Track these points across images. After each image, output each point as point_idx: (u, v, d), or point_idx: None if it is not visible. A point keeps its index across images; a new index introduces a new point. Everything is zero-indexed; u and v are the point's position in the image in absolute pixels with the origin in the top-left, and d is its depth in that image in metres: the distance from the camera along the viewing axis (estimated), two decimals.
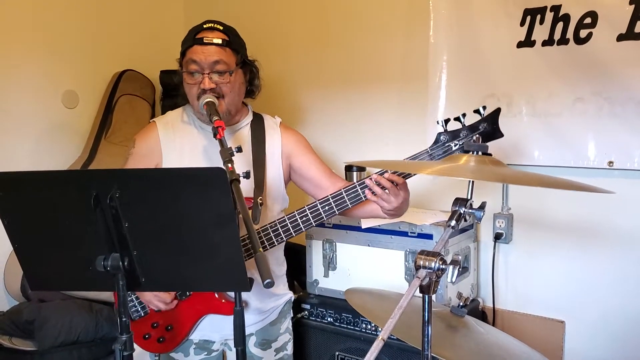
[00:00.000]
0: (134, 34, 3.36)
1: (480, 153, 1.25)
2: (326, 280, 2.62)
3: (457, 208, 1.25)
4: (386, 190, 1.73)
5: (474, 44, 2.55)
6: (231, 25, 1.93)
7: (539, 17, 2.39)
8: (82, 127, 3.16)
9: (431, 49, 2.65)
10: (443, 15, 2.61)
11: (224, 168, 1.34)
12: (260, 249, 1.34)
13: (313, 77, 3.17)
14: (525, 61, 2.45)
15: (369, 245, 2.49)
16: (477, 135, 1.30)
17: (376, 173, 1.76)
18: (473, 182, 1.30)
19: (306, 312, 2.61)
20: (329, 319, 2.55)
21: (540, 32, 2.39)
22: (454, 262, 1.15)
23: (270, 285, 1.27)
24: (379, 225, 2.45)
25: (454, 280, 1.16)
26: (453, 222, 1.24)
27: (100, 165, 3.01)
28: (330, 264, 2.60)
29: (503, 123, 2.44)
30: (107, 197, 1.37)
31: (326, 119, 3.15)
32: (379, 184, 1.73)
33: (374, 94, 2.97)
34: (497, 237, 2.63)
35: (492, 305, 2.67)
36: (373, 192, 1.76)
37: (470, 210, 1.25)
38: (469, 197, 1.25)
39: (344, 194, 1.82)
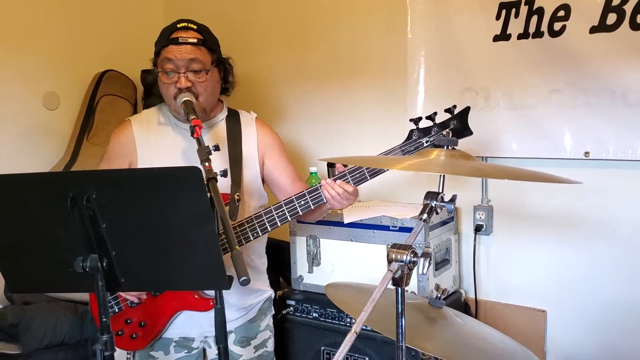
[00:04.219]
0: (114, 34, 3.35)
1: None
2: (310, 276, 2.64)
3: (428, 201, 1.27)
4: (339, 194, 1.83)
5: (451, 38, 2.57)
6: (206, 25, 1.94)
7: (513, 10, 2.41)
8: (63, 129, 3.14)
9: (409, 44, 2.67)
10: (420, 10, 2.63)
11: (199, 167, 1.34)
12: (237, 247, 1.36)
13: (294, 73, 3.17)
14: (501, 55, 2.47)
15: (352, 240, 2.51)
16: (448, 130, 1.33)
17: (332, 178, 1.85)
18: (444, 175, 1.32)
19: (291, 309, 2.62)
20: (314, 315, 2.57)
21: (516, 26, 2.42)
22: (425, 255, 1.17)
23: (246, 282, 1.29)
24: (361, 220, 2.47)
25: (425, 271, 1.18)
26: (425, 216, 1.26)
27: (82, 167, 3.01)
28: (314, 259, 2.62)
29: (481, 116, 2.50)
30: (83, 198, 1.38)
31: (307, 115, 3.16)
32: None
33: (354, 90, 2.98)
34: (478, 229, 2.66)
35: (474, 297, 2.70)
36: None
37: (441, 203, 1.27)
38: (440, 190, 1.27)
39: (320, 188, 1.87)
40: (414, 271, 1.23)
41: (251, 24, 3.28)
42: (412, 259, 1.17)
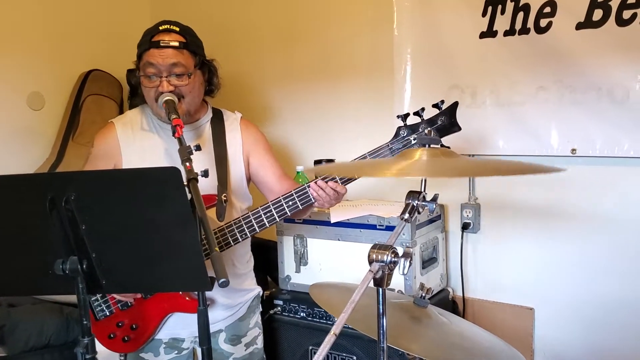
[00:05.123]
0: (99, 34, 3.32)
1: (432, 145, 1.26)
2: (298, 276, 2.62)
3: (410, 201, 1.26)
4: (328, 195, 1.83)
5: (437, 35, 2.56)
6: (193, 25, 1.92)
7: (500, 7, 2.41)
8: (48, 129, 3.12)
9: (395, 42, 2.66)
10: (406, 8, 2.62)
11: (178, 168, 1.32)
12: (217, 249, 1.34)
13: (282, 74, 3.16)
14: (488, 51, 2.46)
15: (339, 240, 2.50)
16: (429, 129, 1.32)
17: (321, 179, 1.82)
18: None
19: (279, 308, 2.61)
20: (301, 314, 2.56)
21: (502, 23, 2.41)
22: (406, 255, 1.16)
23: (225, 284, 1.27)
24: (348, 219, 2.46)
25: (405, 272, 1.16)
26: (406, 215, 1.25)
27: (68, 167, 2.98)
28: (301, 259, 2.60)
29: (468, 113, 2.49)
30: (62, 200, 1.36)
31: (295, 115, 3.14)
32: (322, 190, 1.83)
33: (342, 89, 2.97)
34: (465, 227, 2.65)
35: (462, 295, 2.69)
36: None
37: (423, 203, 1.26)
38: (422, 190, 1.26)
39: (307, 189, 1.85)
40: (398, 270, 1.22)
41: (238, 23, 3.26)
42: (393, 259, 1.16)
